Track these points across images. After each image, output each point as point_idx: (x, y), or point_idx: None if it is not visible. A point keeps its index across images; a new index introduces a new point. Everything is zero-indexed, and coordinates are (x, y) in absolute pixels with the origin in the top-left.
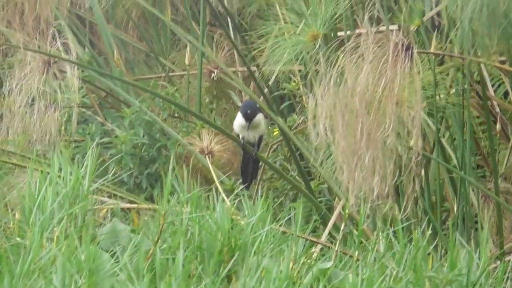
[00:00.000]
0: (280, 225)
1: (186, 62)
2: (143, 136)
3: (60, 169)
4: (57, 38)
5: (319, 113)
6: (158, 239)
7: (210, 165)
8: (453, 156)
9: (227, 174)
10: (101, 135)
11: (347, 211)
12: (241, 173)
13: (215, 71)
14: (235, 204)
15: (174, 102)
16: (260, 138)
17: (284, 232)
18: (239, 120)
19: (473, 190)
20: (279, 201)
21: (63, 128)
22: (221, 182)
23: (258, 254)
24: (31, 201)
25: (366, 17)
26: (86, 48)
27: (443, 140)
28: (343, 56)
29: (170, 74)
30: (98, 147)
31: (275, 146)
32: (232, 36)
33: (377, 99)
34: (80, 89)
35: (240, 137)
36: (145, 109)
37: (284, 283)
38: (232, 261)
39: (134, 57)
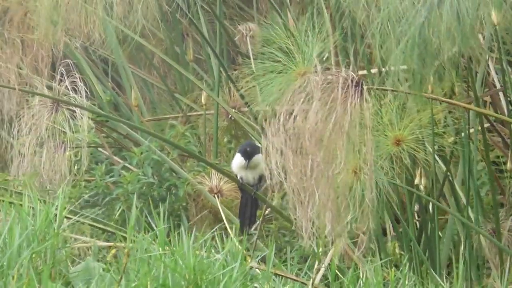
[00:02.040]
0: (255, 261)
1: (203, 101)
2: (152, 175)
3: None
4: (65, 77)
5: (270, 151)
6: (121, 278)
7: (219, 204)
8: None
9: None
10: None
11: (320, 249)
12: (239, 215)
13: (233, 110)
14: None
15: (174, 143)
16: (260, 178)
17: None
18: (237, 159)
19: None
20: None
21: (75, 168)
22: (231, 222)
23: None
24: None
25: (314, 54)
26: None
27: (454, 180)
28: (291, 95)
29: (188, 114)
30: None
31: None
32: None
33: (327, 135)
34: (91, 129)
35: (239, 177)
36: (154, 148)
37: None
38: None
39: (159, 97)
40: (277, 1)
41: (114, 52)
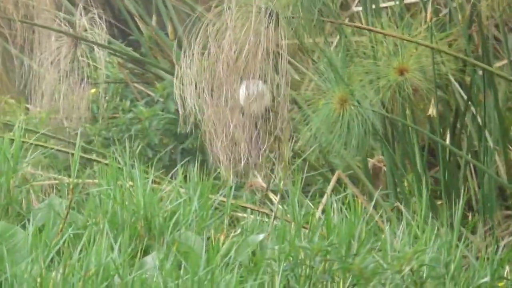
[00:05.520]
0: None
1: None
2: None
3: None
4: (82, 14)
5: (185, 82)
6: (67, 214)
7: None
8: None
9: None
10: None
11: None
12: None
13: None
14: None
15: None
16: None
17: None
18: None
19: None
20: None
21: (104, 105)
22: None
23: (183, 227)
24: None
25: None
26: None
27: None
28: (206, 25)
29: None
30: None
31: None
32: None
33: (242, 64)
34: (113, 64)
35: None
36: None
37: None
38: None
39: None
40: None
41: None
